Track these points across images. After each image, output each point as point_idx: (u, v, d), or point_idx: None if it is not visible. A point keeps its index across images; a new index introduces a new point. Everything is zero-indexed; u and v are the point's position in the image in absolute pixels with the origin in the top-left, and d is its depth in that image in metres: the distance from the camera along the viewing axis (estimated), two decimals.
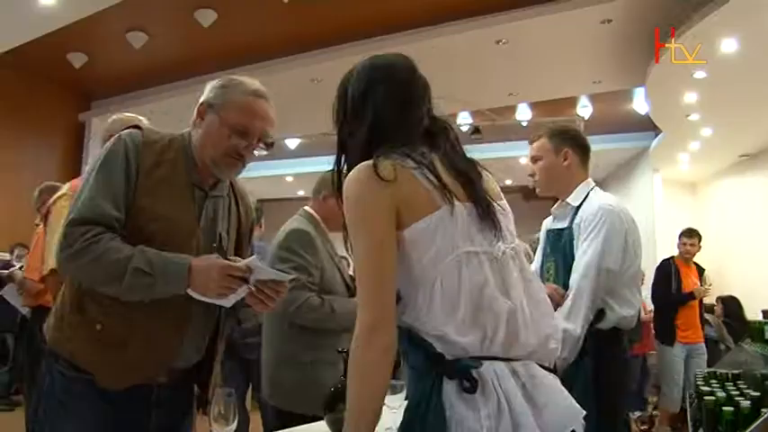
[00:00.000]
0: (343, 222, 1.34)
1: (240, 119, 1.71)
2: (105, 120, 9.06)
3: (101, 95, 9.26)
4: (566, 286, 2.30)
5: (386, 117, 1.37)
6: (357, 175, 1.31)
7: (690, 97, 7.11)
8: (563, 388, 1.32)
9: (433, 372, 1.22)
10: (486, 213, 1.33)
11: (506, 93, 8.90)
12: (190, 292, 1.62)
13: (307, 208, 2.89)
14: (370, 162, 1.31)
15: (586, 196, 2.40)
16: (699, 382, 2.93)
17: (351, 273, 2.90)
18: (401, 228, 1.28)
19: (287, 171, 12.49)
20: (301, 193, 14.75)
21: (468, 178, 1.36)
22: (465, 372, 1.19)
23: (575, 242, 2.31)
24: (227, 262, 1.67)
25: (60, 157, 9.17)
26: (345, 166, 1.42)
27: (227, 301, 1.69)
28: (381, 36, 7.28)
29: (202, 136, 1.75)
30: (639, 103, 9.09)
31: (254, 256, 1.68)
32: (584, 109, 9.54)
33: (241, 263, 1.65)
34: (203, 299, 1.64)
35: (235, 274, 1.61)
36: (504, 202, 1.45)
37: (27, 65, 7.81)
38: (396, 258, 1.27)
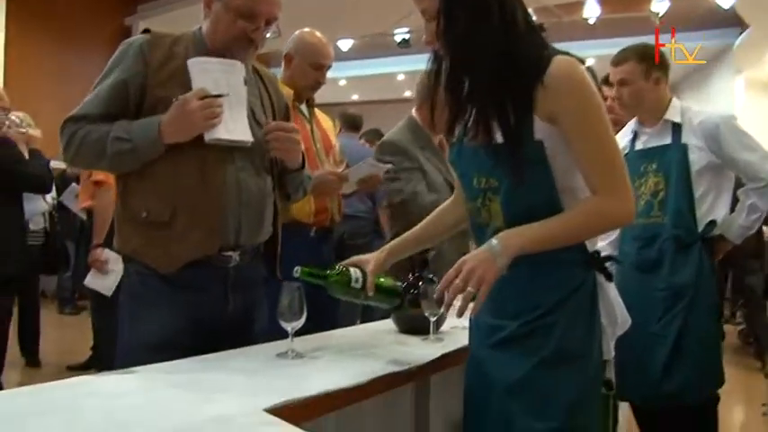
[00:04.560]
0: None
1: (244, 1, 1.76)
2: (152, 23, 8.93)
3: None
4: (678, 199, 2.44)
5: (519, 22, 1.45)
6: (578, 67, 1.40)
7: None
8: None
9: (587, 264, 1.49)
10: None
11: None
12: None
13: (413, 112, 2.90)
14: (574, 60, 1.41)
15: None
16: None
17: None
18: None
19: (339, 74, 12.15)
20: (355, 97, 14.44)
21: None
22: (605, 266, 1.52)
23: (691, 156, 2.43)
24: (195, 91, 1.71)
25: (107, 63, 9.06)
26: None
27: (243, 134, 1.76)
28: None
29: (211, 24, 1.82)
30: None
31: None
32: (660, 4, 8.85)
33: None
34: (223, 139, 1.71)
35: (210, 95, 1.69)
36: None
37: None
38: None
